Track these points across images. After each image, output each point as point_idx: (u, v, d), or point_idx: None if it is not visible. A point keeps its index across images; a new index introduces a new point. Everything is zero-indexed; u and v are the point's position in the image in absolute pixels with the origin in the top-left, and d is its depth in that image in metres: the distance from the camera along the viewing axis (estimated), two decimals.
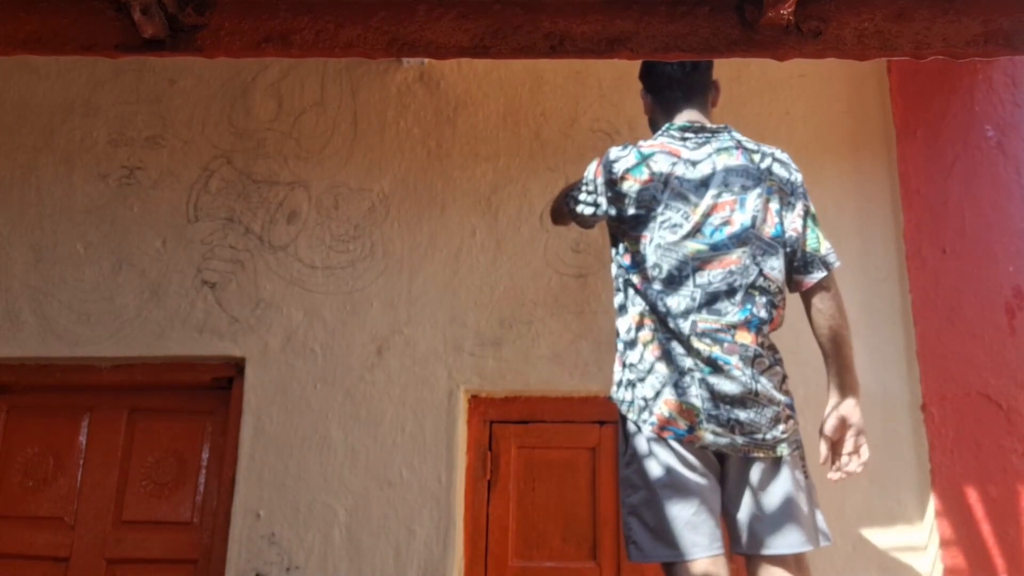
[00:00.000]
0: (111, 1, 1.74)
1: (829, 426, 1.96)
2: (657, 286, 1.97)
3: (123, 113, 3.20)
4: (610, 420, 2.83)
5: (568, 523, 2.79)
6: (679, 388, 1.90)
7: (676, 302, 1.95)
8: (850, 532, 2.61)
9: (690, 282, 1.95)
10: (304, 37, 1.76)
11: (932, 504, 2.59)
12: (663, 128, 2.16)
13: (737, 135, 2.12)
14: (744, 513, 1.90)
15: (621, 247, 2.09)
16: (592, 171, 2.17)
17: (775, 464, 1.91)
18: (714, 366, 1.90)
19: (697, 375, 1.90)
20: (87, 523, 2.90)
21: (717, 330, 1.92)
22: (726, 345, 1.91)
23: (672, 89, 2.18)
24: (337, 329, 2.91)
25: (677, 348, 1.93)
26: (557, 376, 2.83)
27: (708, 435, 1.88)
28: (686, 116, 2.16)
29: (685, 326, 1.93)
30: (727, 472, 1.94)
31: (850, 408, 1.97)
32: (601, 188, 2.12)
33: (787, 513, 1.88)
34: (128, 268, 3.02)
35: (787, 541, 1.86)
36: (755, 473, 1.91)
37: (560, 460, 2.85)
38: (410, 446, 2.78)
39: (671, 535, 1.84)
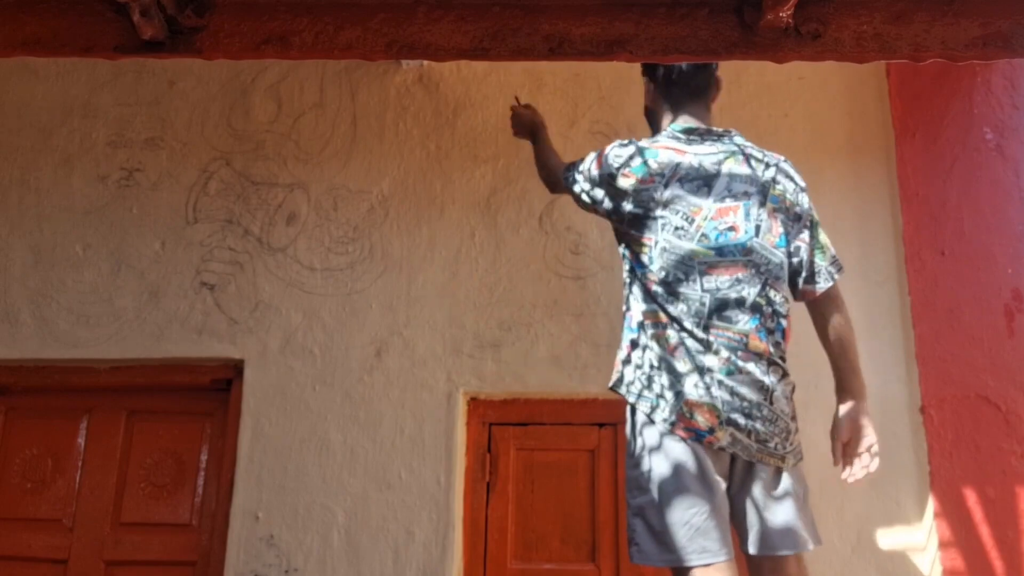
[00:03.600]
0: (110, 3, 1.74)
1: (842, 430, 1.97)
2: (665, 290, 1.94)
3: (122, 115, 3.21)
4: (609, 422, 2.84)
5: (567, 525, 2.79)
6: (699, 387, 1.87)
7: (686, 307, 1.92)
8: (849, 533, 2.61)
9: (697, 287, 1.93)
10: (303, 39, 1.76)
11: (931, 506, 2.59)
12: (667, 129, 2.13)
13: (741, 140, 2.10)
14: (749, 514, 1.91)
15: (625, 246, 2.07)
16: (591, 163, 2.15)
17: (779, 468, 1.93)
18: (733, 369, 1.89)
19: (717, 376, 1.88)
20: (86, 525, 2.90)
21: (730, 337, 1.91)
22: (739, 352, 1.90)
23: (679, 84, 2.16)
24: (336, 331, 2.91)
25: (695, 346, 1.90)
26: (556, 378, 2.83)
27: (727, 438, 1.87)
28: (689, 116, 2.13)
29: (699, 330, 1.91)
30: (733, 473, 1.94)
31: (860, 411, 1.99)
32: (598, 180, 2.10)
33: (790, 515, 1.90)
34: (127, 270, 3.02)
35: (790, 542, 1.88)
36: (761, 474, 1.91)
37: (559, 462, 2.85)
38: (409, 448, 2.78)
39: (680, 540, 1.82)
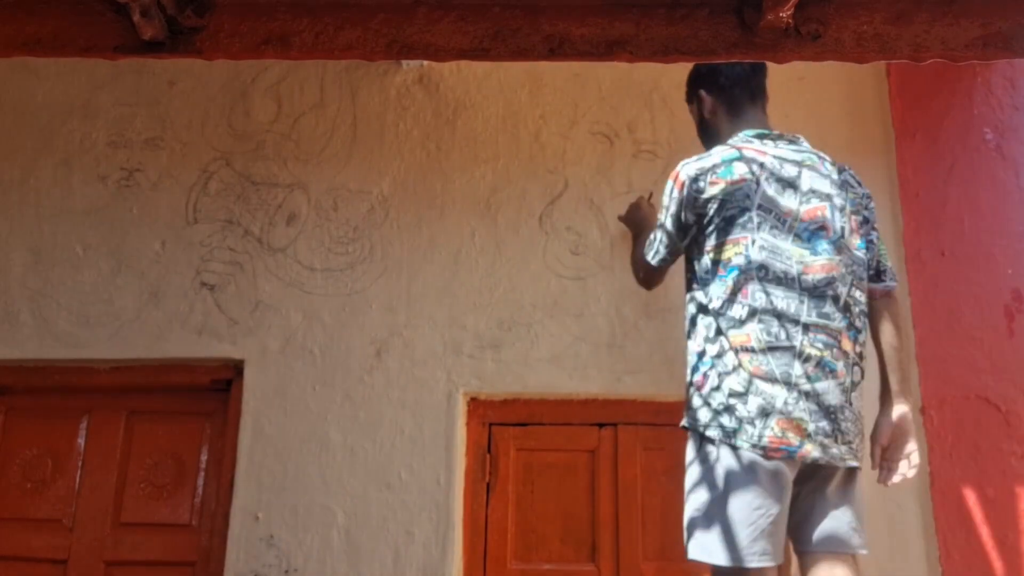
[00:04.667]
0: (110, 3, 1.74)
1: (884, 434, 2.00)
2: (766, 287, 1.93)
3: (122, 115, 3.20)
4: (609, 422, 2.84)
5: (567, 525, 2.79)
6: (788, 404, 1.86)
7: (786, 304, 1.92)
8: None
9: (796, 284, 1.94)
10: (303, 39, 1.76)
11: (931, 507, 2.59)
12: (737, 136, 2.11)
13: (808, 144, 2.13)
14: (818, 512, 1.93)
15: (708, 259, 2.01)
16: (669, 198, 2.11)
17: (852, 471, 1.96)
18: (822, 372, 1.89)
19: (804, 386, 1.87)
20: (85, 525, 2.90)
21: (827, 335, 1.92)
22: (834, 351, 1.91)
23: (740, 88, 2.17)
24: (336, 331, 2.90)
25: (782, 359, 1.88)
26: (556, 378, 2.83)
27: (817, 449, 1.87)
28: (755, 120, 2.15)
29: (796, 330, 1.90)
30: (805, 475, 1.94)
31: (905, 417, 2.02)
32: (684, 204, 2.05)
33: (858, 514, 1.95)
34: (127, 270, 3.02)
35: (856, 541, 1.93)
36: (836, 474, 1.94)
37: (559, 462, 2.85)
38: (409, 448, 2.78)
39: (742, 540, 1.82)
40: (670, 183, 2.11)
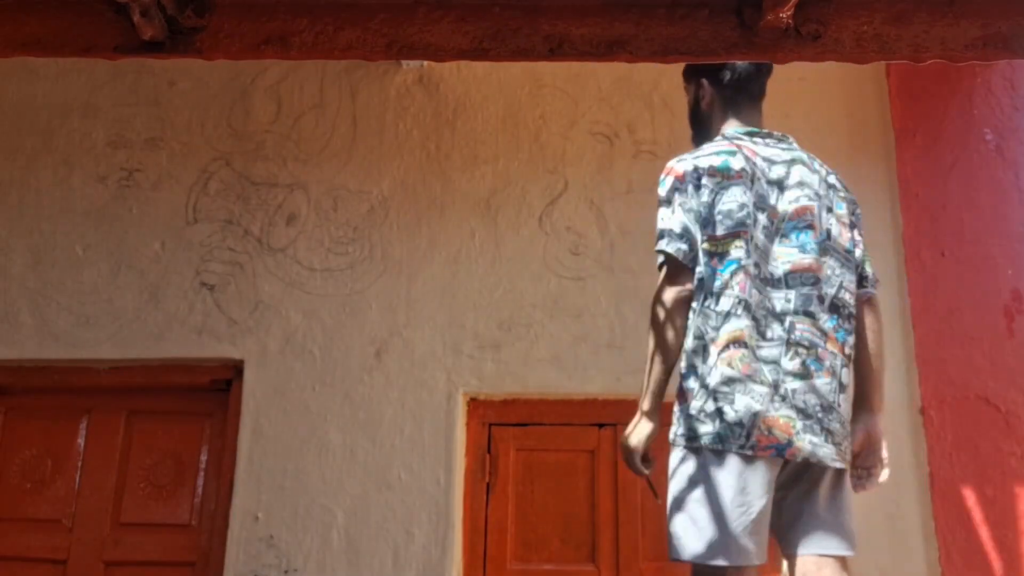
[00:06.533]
0: (110, 3, 1.74)
1: (857, 439, 1.99)
2: (757, 284, 1.91)
3: (122, 115, 3.20)
4: (609, 422, 2.83)
5: (567, 525, 2.79)
6: (775, 402, 1.85)
7: (775, 303, 1.91)
8: None
9: (783, 284, 1.93)
10: (303, 39, 1.76)
11: (931, 506, 2.59)
12: (728, 131, 2.09)
13: (797, 144, 2.12)
14: (807, 515, 1.92)
15: (703, 254, 1.94)
16: (671, 183, 1.98)
17: (840, 473, 1.95)
18: (809, 371, 1.88)
19: (789, 385, 1.86)
20: (85, 525, 2.90)
21: (812, 334, 1.91)
22: (820, 350, 1.90)
23: (743, 87, 2.13)
24: (336, 331, 2.90)
25: (769, 357, 1.87)
26: (556, 379, 2.83)
27: (807, 445, 1.85)
28: (750, 118, 2.12)
29: (781, 330, 1.89)
30: (791, 477, 1.93)
31: (876, 424, 2.01)
32: (692, 192, 1.97)
33: (848, 516, 1.93)
34: (127, 270, 3.02)
35: (847, 543, 1.91)
36: (825, 476, 1.93)
37: (559, 462, 2.85)
38: (409, 448, 2.78)
39: (722, 539, 1.80)
40: (669, 178, 2.03)
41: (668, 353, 1.95)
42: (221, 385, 2.96)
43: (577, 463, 2.84)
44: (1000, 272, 2.76)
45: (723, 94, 2.15)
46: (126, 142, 3.17)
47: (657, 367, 1.96)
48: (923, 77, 2.91)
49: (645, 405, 1.96)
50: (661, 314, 1.95)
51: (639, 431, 1.96)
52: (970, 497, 2.57)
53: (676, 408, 1.94)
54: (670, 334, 1.95)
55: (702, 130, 2.18)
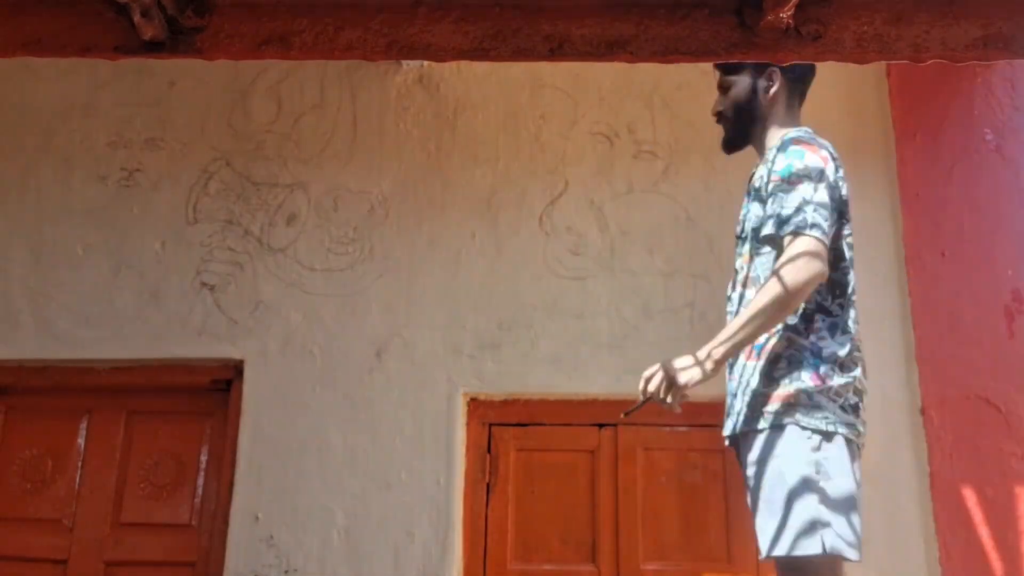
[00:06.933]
0: (111, 3, 1.74)
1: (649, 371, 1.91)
2: (848, 288, 1.95)
3: (122, 115, 3.20)
4: (609, 423, 2.84)
5: (567, 526, 2.79)
6: (860, 392, 1.90)
7: (852, 307, 1.96)
8: None
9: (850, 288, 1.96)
10: (304, 39, 1.76)
11: (931, 506, 2.59)
12: (792, 130, 2.03)
13: None
14: None
15: (849, 252, 1.99)
16: (814, 162, 1.89)
17: None
18: (863, 367, 1.93)
19: (857, 373, 1.90)
20: (85, 525, 2.90)
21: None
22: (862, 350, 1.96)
23: (806, 85, 2.13)
24: (336, 332, 2.90)
25: (856, 353, 1.91)
26: (556, 379, 2.83)
27: (865, 431, 1.91)
28: (799, 119, 2.11)
29: (856, 329, 1.94)
30: None
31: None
32: (833, 181, 1.91)
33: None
34: (127, 270, 3.02)
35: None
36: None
37: (559, 463, 2.85)
38: (409, 449, 2.78)
39: (860, 533, 1.81)
40: (810, 154, 1.89)
41: (772, 325, 1.84)
42: (221, 385, 2.96)
43: (577, 463, 2.84)
44: (1000, 272, 2.76)
45: (791, 89, 2.09)
46: (126, 142, 3.17)
47: (755, 330, 1.82)
48: (923, 77, 2.91)
49: (718, 354, 1.82)
50: (793, 285, 1.79)
51: (693, 373, 1.82)
52: (970, 497, 2.57)
53: (793, 388, 1.84)
54: (787, 311, 1.83)
55: (750, 123, 2.10)
